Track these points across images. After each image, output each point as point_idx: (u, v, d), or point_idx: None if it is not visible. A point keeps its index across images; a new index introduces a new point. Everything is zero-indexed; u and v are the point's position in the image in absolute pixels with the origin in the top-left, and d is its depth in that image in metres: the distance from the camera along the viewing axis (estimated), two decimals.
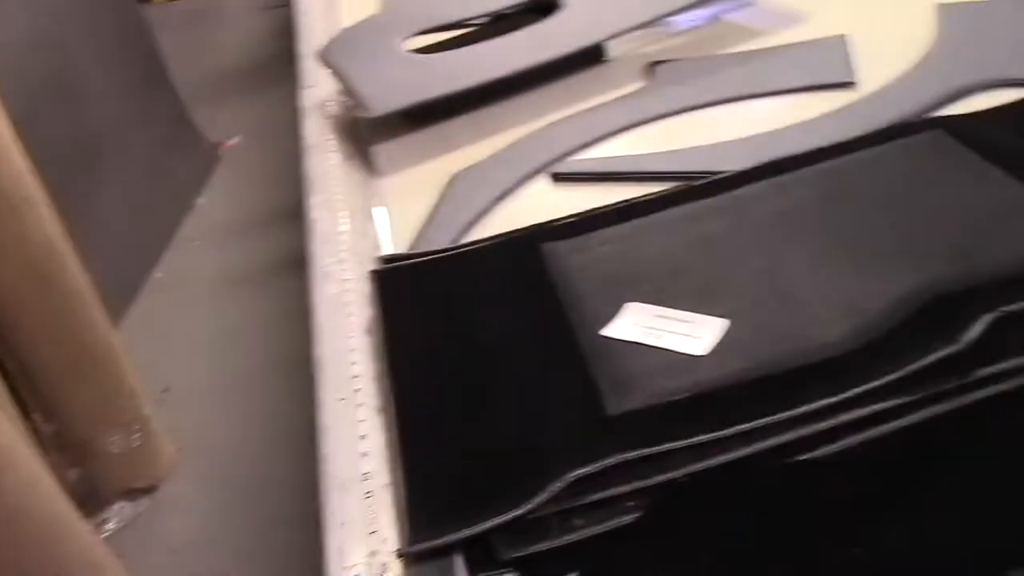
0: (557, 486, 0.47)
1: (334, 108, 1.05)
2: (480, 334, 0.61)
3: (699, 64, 0.93)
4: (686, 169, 0.75)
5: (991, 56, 0.81)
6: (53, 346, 1.47)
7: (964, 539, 0.42)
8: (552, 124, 0.89)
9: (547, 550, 0.47)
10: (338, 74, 0.99)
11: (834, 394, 0.48)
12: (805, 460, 0.47)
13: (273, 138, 2.72)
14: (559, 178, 0.81)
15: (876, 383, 0.48)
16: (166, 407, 1.83)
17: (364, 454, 0.58)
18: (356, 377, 0.64)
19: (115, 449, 1.61)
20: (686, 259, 0.63)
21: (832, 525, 0.45)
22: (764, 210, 0.65)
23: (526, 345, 0.59)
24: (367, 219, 0.83)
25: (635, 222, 0.68)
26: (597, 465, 0.48)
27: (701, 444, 0.48)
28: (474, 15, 1.06)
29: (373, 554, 0.51)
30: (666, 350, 0.55)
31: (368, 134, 0.97)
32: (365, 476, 0.56)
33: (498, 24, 1.03)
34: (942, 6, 0.91)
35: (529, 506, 0.47)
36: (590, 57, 0.98)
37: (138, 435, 1.64)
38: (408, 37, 1.05)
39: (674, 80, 0.91)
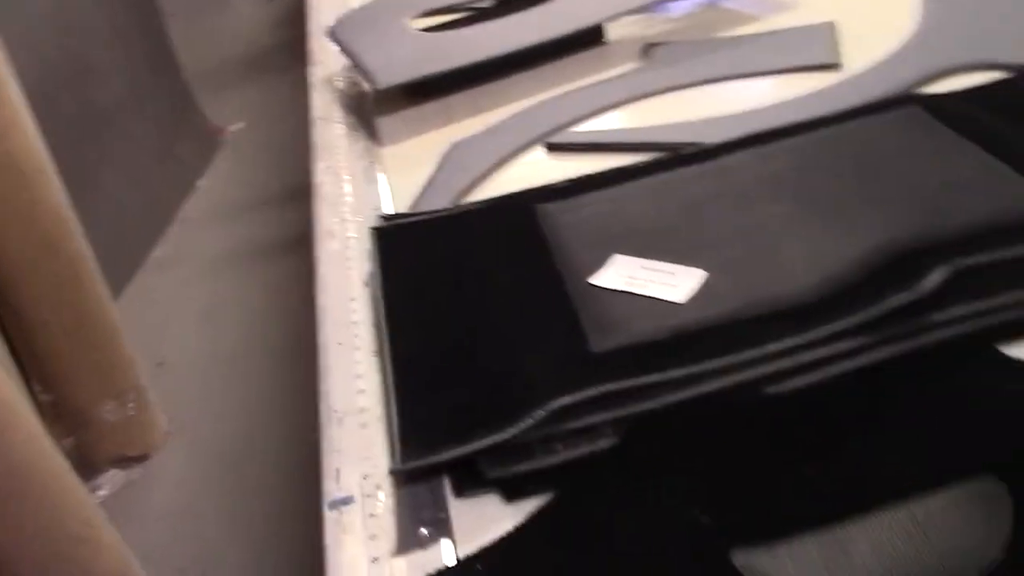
0: (541, 414, 0.51)
1: (341, 84, 1.08)
2: (473, 282, 0.64)
3: (693, 46, 0.97)
4: (675, 140, 0.78)
5: (972, 39, 0.85)
6: (55, 312, 1.50)
7: (912, 461, 0.46)
8: (550, 99, 0.92)
9: (528, 472, 0.50)
10: (346, 50, 1.03)
11: (799, 334, 0.51)
12: (772, 395, 0.51)
13: (274, 125, 2.76)
14: (554, 148, 0.85)
15: (838, 326, 0.51)
16: (160, 380, 1.86)
17: (360, 391, 0.61)
18: (355, 323, 0.68)
19: (110, 417, 1.64)
20: (671, 219, 0.66)
21: (794, 453, 0.48)
22: (745, 176, 0.69)
23: (517, 291, 0.62)
24: (370, 183, 0.87)
25: (624, 186, 0.72)
26: (580, 396, 0.51)
27: (676, 379, 0.52)
28: None
29: (366, 476, 0.55)
30: (649, 297, 0.59)
31: (373, 108, 1.01)
32: (361, 410, 0.60)
33: (502, 6, 1.07)
34: None
35: (515, 431, 0.50)
36: (589, 39, 1.01)
37: (133, 404, 1.68)
38: (415, 17, 1.09)
39: (669, 61, 0.95)
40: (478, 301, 0.62)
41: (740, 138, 0.74)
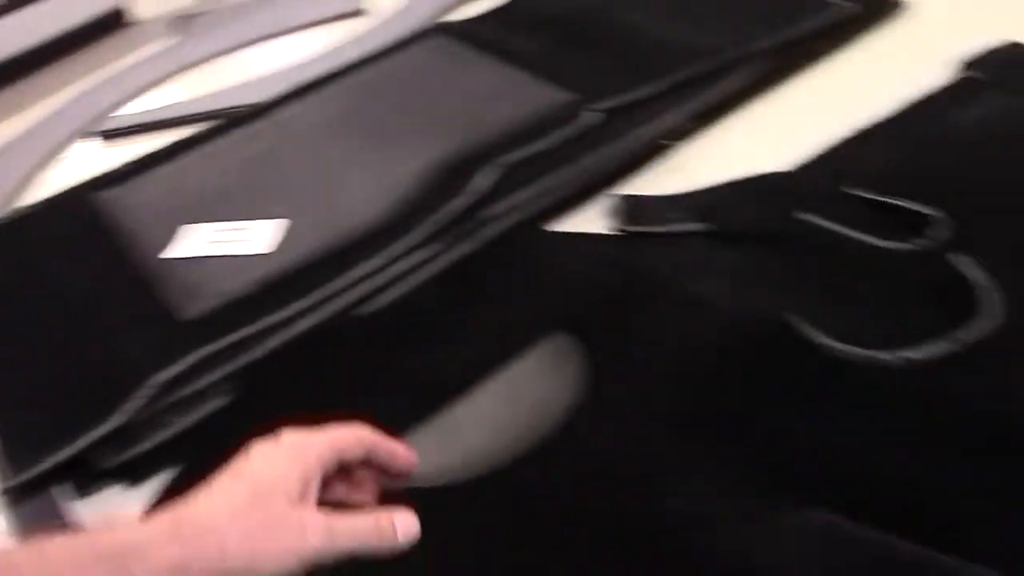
0: (144, 393, 0.49)
1: None
2: (50, 287, 0.61)
3: (223, 14, 0.97)
4: (228, 105, 0.78)
5: None
6: None
7: (497, 338, 0.51)
8: (87, 89, 0.88)
9: (152, 452, 0.49)
10: None
11: (376, 256, 0.55)
12: (367, 314, 0.54)
13: None
14: (108, 135, 0.81)
15: (410, 240, 0.56)
16: None
17: None
18: None
19: None
20: (234, 180, 0.67)
21: (396, 356, 0.52)
22: (300, 126, 0.71)
23: (94, 285, 0.59)
24: None
25: (182, 158, 0.71)
26: (178, 366, 0.50)
27: (271, 325, 0.53)
28: None
29: None
30: (232, 256, 0.59)
31: None
32: None
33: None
34: None
35: (123, 417, 0.49)
36: (110, 23, 0.97)
37: None
38: None
39: (203, 30, 0.94)
40: (59, 302, 0.59)
41: (287, 92, 0.75)
